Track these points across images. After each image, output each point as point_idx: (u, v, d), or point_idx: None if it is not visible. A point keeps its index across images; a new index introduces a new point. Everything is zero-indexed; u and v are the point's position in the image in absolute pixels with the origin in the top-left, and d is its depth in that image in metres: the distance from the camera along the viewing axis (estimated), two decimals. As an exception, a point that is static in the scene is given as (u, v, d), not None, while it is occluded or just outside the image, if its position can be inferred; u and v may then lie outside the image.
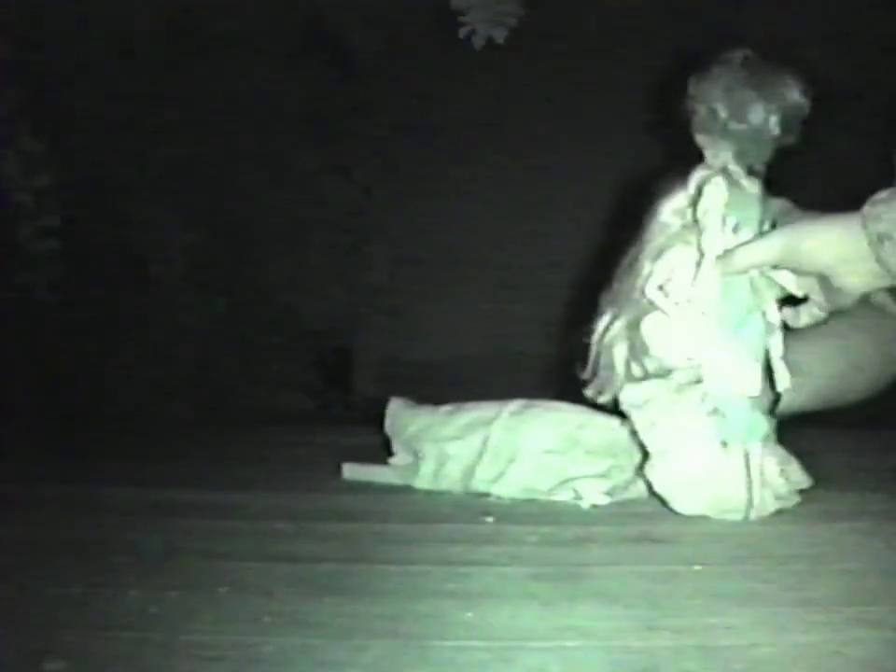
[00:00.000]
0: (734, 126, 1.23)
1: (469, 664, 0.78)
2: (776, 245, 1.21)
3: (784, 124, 1.22)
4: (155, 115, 2.90)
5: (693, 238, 1.31)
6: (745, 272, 1.24)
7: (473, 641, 0.82)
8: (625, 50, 2.99)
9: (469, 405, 1.55)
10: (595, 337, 1.35)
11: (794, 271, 1.23)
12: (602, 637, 0.83)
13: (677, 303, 1.29)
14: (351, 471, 1.58)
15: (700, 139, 1.27)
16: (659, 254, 1.31)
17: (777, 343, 1.25)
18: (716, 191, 1.23)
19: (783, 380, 1.24)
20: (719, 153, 1.26)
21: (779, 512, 1.25)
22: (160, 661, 0.78)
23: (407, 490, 1.48)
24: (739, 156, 1.24)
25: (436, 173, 3.19)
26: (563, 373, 1.38)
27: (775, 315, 1.26)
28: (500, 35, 2.06)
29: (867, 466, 1.64)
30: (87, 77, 2.73)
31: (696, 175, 1.28)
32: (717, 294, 1.24)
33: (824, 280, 1.22)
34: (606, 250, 1.36)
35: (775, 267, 1.25)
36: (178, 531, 1.23)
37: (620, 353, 1.33)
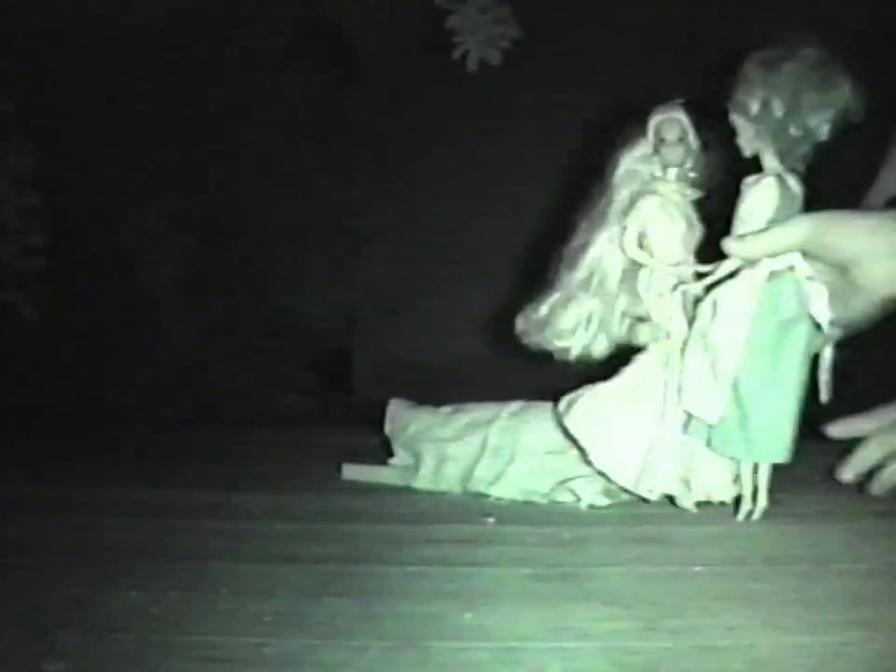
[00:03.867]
0: (789, 127, 1.18)
1: (469, 664, 0.78)
2: (801, 228, 1.15)
3: (834, 129, 1.18)
4: (154, 115, 2.90)
5: (662, 187, 1.32)
6: (763, 257, 1.18)
7: (473, 642, 0.82)
8: (621, 65, 2.99)
9: (469, 406, 1.55)
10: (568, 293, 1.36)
11: (815, 260, 1.17)
12: (602, 637, 0.83)
13: (657, 257, 1.31)
14: (351, 472, 1.58)
15: (740, 124, 1.22)
16: (630, 206, 1.32)
17: (826, 356, 1.21)
18: (767, 193, 1.19)
19: (825, 393, 1.21)
20: (758, 146, 1.21)
21: (780, 513, 1.25)
22: (160, 661, 0.79)
23: (407, 490, 1.48)
24: (782, 155, 1.20)
25: (435, 174, 3.19)
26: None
27: (824, 318, 1.18)
28: (494, 58, 2.05)
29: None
30: (78, 80, 2.72)
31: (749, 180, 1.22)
32: (755, 297, 1.19)
33: (843, 279, 1.16)
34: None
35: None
36: (178, 531, 1.23)
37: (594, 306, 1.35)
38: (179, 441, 2.09)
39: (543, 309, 1.39)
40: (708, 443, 1.25)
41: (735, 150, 1.26)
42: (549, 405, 1.51)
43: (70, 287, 2.69)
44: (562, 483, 1.39)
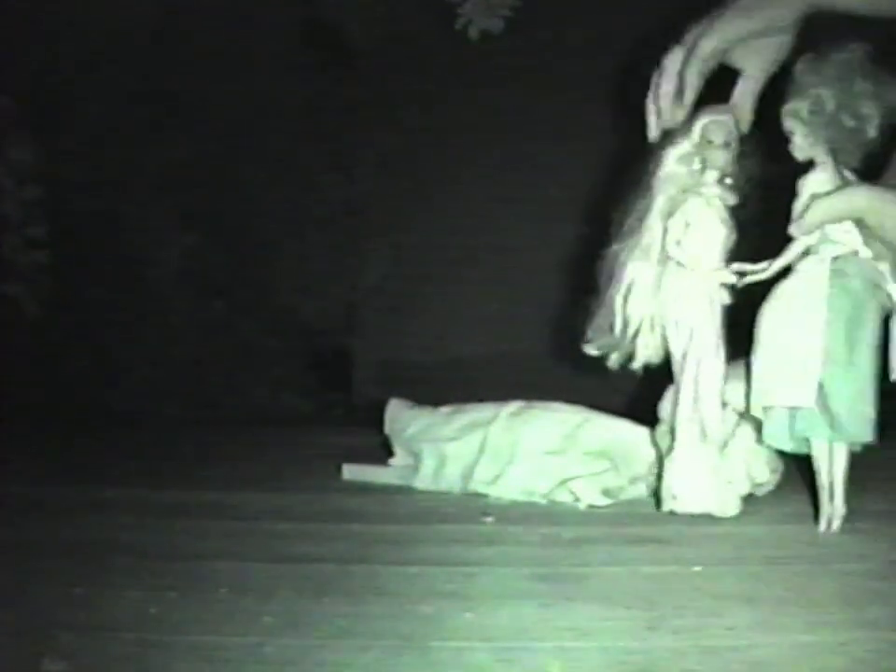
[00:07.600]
0: (842, 118, 1.16)
1: (469, 664, 0.78)
2: (860, 197, 1.15)
3: (882, 128, 1.17)
4: (153, 114, 2.90)
5: (704, 188, 1.29)
6: (820, 226, 1.17)
7: (473, 641, 0.82)
8: (623, 41, 2.99)
9: (469, 406, 1.55)
10: (618, 297, 1.31)
11: (869, 232, 1.15)
12: (602, 637, 0.83)
13: (697, 259, 1.27)
14: (351, 472, 1.58)
15: (794, 129, 1.20)
16: (671, 209, 1.29)
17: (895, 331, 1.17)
18: (821, 176, 1.18)
19: None
20: (811, 145, 1.20)
21: (780, 513, 1.25)
22: (160, 661, 0.78)
23: (407, 490, 1.48)
24: (835, 152, 1.19)
25: (436, 172, 3.19)
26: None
27: None
28: (496, 27, 2.05)
29: (867, 466, 1.64)
30: (81, 75, 2.73)
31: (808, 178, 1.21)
32: (826, 281, 1.17)
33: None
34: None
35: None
36: (178, 531, 1.23)
37: (645, 313, 1.31)
38: (178, 440, 2.09)
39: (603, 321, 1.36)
40: (791, 431, 1.20)
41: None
42: (548, 405, 1.51)
43: (69, 285, 2.69)
44: (562, 483, 1.39)
